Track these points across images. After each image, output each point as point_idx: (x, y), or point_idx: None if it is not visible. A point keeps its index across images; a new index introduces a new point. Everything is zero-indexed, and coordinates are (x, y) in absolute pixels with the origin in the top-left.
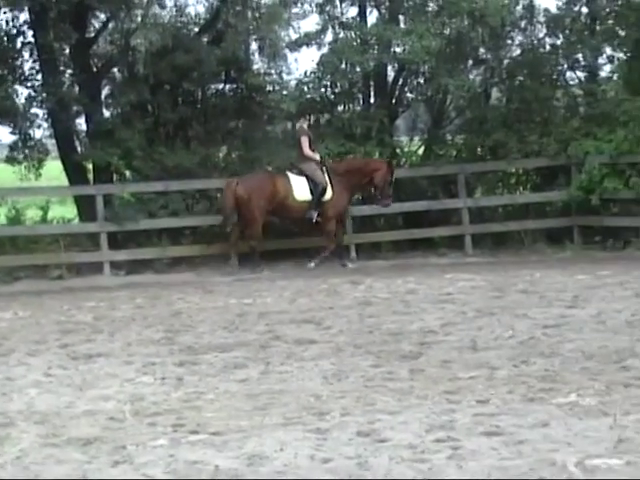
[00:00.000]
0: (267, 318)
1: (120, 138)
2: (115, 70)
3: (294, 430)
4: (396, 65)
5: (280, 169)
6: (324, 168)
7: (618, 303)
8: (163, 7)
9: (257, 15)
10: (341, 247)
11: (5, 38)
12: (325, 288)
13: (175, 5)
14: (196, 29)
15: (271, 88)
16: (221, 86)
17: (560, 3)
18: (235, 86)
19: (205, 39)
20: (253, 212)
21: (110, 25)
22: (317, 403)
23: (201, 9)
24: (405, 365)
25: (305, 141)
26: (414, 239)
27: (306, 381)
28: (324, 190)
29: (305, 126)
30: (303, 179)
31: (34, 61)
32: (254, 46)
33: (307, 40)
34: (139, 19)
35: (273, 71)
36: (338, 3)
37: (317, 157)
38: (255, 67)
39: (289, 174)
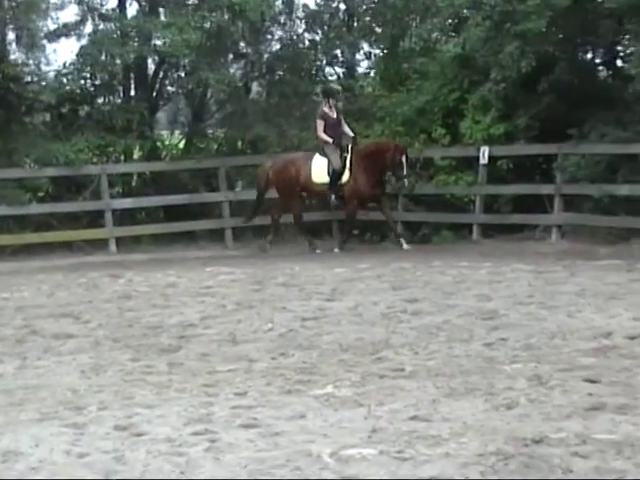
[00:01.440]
0: (24, 312)
1: None
2: None
3: (50, 425)
4: (156, 58)
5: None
6: (345, 150)
7: (375, 296)
8: None
9: (14, 4)
10: (396, 224)
11: None
12: (84, 282)
13: None
14: None
15: (29, 79)
16: None
17: None
18: None
19: None
20: (282, 191)
21: None
22: (74, 398)
23: None
24: (164, 359)
25: (320, 124)
26: (175, 232)
27: (63, 376)
28: (339, 174)
29: (326, 109)
30: (325, 162)
31: None
32: (11, 36)
33: (66, 31)
34: None
35: (31, 62)
36: None
37: (330, 140)
38: (12, 57)
39: (316, 156)
